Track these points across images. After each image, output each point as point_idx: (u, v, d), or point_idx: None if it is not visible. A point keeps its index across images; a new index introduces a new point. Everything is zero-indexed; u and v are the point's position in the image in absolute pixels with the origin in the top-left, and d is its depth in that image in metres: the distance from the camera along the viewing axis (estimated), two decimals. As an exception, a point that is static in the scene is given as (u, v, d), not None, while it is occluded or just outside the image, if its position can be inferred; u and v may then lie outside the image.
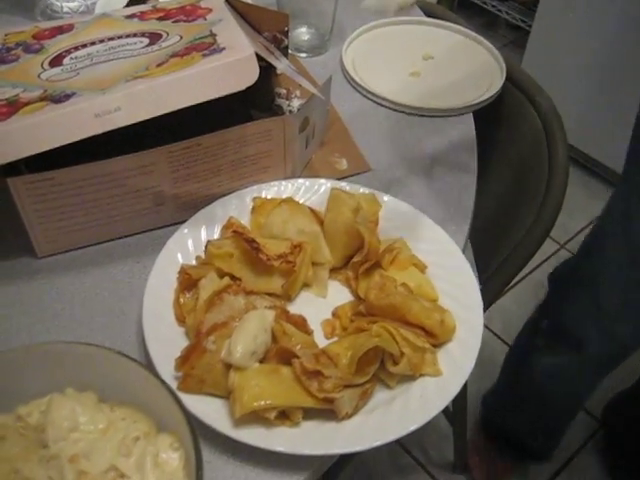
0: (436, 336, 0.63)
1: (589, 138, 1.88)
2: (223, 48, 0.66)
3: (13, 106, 0.64)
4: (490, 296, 0.81)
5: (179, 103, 0.62)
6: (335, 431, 0.58)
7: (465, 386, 1.36)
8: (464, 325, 0.65)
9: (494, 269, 0.80)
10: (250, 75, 0.63)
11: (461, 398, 1.31)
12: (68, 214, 0.69)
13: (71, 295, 0.69)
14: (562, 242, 1.92)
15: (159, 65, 0.66)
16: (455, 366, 0.62)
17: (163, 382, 0.51)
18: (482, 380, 1.60)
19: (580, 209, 1.65)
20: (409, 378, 0.62)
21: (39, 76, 0.70)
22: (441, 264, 0.70)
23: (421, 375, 0.62)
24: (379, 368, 0.61)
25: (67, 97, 0.64)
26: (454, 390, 0.60)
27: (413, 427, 0.57)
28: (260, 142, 0.72)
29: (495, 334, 1.73)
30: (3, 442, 0.49)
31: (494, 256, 0.83)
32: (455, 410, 1.34)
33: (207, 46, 0.67)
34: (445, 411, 1.38)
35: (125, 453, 0.50)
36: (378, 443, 0.56)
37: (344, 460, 1.02)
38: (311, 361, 0.59)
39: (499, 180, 0.93)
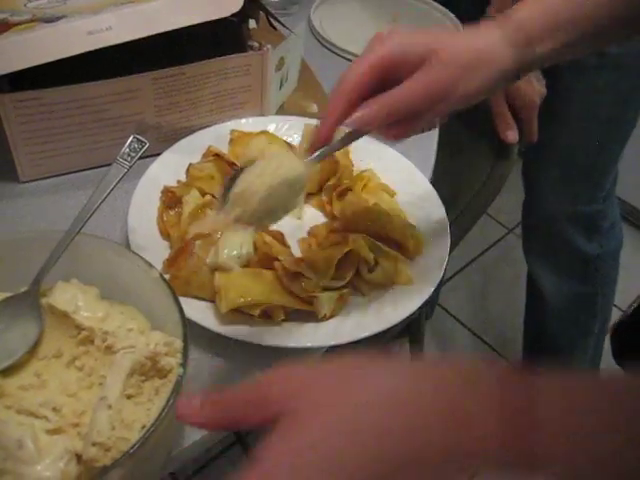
0: (407, 249, 0.68)
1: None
2: (208, -20, 0.69)
3: (3, 25, 0.66)
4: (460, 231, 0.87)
5: (167, 25, 0.65)
6: (315, 329, 0.62)
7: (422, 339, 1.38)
8: (432, 241, 0.69)
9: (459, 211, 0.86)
10: (234, 2, 0.67)
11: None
12: (53, 137, 0.71)
13: (54, 215, 0.71)
14: (510, 227, 2.01)
15: (146, -6, 0.69)
16: (425, 276, 0.66)
17: (161, 275, 0.54)
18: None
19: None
20: (382, 287, 0.66)
21: (25, 5, 0.73)
22: (408, 191, 0.75)
23: (393, 284, 0.66)
24: (355, 276, 0.65)
25: (58, 19, 0.66)
26: (424, 295, 0.65)
27: (387, 325, 0.62)
28: (239, 76, 0.76)
29: (448, 312, 1.79)
30: None
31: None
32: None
33: (192, -21, 0.71)
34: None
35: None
36: (355, 338, 0.61)
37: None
38: (292, 264, 0.63)
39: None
